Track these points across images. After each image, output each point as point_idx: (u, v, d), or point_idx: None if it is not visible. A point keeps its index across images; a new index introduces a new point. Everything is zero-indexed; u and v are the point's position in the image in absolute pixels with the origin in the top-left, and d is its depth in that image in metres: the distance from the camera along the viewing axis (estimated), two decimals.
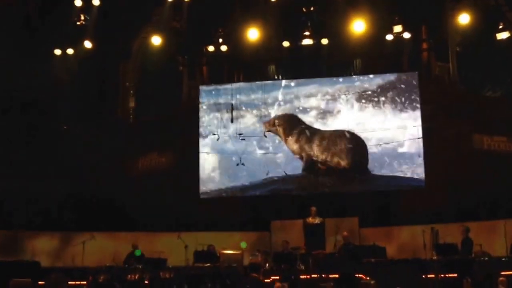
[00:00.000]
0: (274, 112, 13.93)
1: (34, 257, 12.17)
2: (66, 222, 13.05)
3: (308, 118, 13.80)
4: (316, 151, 13.55)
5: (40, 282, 9.41)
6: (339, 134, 13.54)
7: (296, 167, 13.62)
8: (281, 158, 13.69)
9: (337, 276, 9.69)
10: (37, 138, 13.51)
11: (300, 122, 13.73)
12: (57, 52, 13.35)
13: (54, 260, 12.63)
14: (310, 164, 13.53)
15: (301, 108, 13.90)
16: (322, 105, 13.83)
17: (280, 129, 13.71)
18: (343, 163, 13.38)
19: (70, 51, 13.31)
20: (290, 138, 13.68)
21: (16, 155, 13.10)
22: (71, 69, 13.45)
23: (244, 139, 13.76)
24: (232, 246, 12.16)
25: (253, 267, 6.93)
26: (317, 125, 13.71)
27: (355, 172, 13.31)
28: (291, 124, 13.72)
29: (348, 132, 13.50)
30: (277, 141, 13.79)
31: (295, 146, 13.64)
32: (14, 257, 12.03)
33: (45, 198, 12.78)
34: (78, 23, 12.82)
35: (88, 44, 13.06)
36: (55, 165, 13.30)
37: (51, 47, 13.26)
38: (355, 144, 13.40)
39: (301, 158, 13.62)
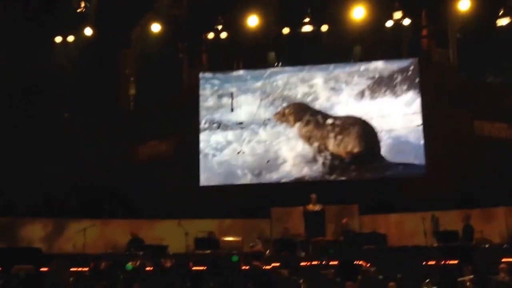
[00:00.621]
0: (274, 100, 13.89)
1: (35, 243, 12.20)
2: (66, 210, 13.06)
3: (310, 105, 13.78)
4: (327, 137, 13.51)
5: (42, 269, 9.45)
6: (350, 121, 13.48)
7: (297, 155, 13.62)
8: (282, 145, 13.68)
9: (337, 262, 9.75)
10: (38, 126, 13.47)
11: (310, 109, 13.65)
12: (58, 39, 13.27)
13: (55, 247, 12.67)
14: (321, 151, 13.51)
15: (301, 95, 13.86)
16: (322, 92, 13.80)
17: (290, 118, 13.66)
18: (356, 149, 13.35)
19: (70, 38, 13.23)
20: (300, 125, 13.61)
21: (16, 143, 13.08)
22: (72, 57, 13.37)
23: (244, 127, 13.75)
24: (233, 233, 12.21)
25: (255, 255, 6.91)
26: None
27: (368, 158, 13.28)
28: (301, 112, 13.66)
29: (359, 118, 13.44)
30: (278, 128, 13.76)
31: (306, 133, 13.58)
32: (13, 243, 12.07)
33: (45, 186, 12.79)
34: (78, 10, 12.73)
35: (88, 32, 12.97)
36: (55, 153, 13.29)
37: (51, 34, 13.18)
38: (367, 131, 13.37)
39: (310, 144, 13.57)
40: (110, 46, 13.72)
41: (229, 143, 13.88)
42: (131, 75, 14.67)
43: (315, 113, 13.62)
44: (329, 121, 13.54)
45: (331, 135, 13.49)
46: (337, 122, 13.51)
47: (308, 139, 13.57)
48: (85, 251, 11.50)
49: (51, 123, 13.67)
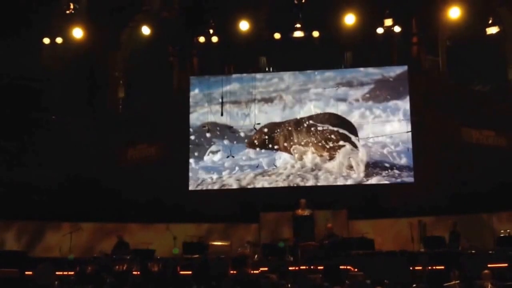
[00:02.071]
0: (264, 104, 13.90)
1: (19, 247, 12.08)
2: (52, 212, 12.94)
3: (299, 110, 13.82)
4: (308, 144, 13.55)
5: (27, 272, 9.35)
6: (328, 118, 13.56)
7: (287, 160, 13.64)
8: (272, 150, 13.69)
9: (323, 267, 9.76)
10: (26, 128, 13.36)
11: (282, 123, 13.67)
12: (46, 40, 13.17)
13: (41, 250, 12.55)
14: (305, 157, 13.54)
15: (291, 100, 13.89)
16: (312, 97, 13.84)
17: (269, 138, 13.64)
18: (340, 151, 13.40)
19: (59, 39, 13.14)
20: (280, 141, 13.64)
21: (4, 145, 12.96)
22: (60, 59, 13.26)
23: (234, 132, 13.74)
24: (221, 238, 12.18)
25: (239, 260, 6.75)
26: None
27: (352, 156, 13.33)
28: (275, 128, 13.66)
29: (335, 114, 13.50)
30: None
31: (287, 146, 13.61)
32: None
33: (33, 188, 12.68)
34: (67, 11, 12.63)
35: (77, 33, 12.88)
36: (43, 155, 13.19)
37: (39, 35, 13.08)
38: (344, 127, 13.44)
39: (295, 153, 13.62)
40: (99, 48, 13.64)
41: (218, 147, 13.86)
42: (120, 77, 14.58)
43: (292, 123, 13.65)
44: (306, 123, 13.59)
45: (313, 140, 13.53)
46: (319, 126, 13.58)
47: (290, 150, 13.61)
48: (71, 254, 11.38)
49: (39, 125, 13.55)
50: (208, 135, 13.89)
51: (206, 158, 13.88)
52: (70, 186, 13.17)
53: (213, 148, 13.90)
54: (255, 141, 13.69)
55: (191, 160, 13.87)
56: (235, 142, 13.80)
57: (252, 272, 9.69)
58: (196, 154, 13.91)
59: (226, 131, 13.82)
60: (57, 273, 8.61)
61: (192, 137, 13.97)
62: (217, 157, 13.84)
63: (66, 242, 11.53)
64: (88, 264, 10.18)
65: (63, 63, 13.29)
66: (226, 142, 13.84)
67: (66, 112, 13.96)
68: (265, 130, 13.76)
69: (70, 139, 13.49)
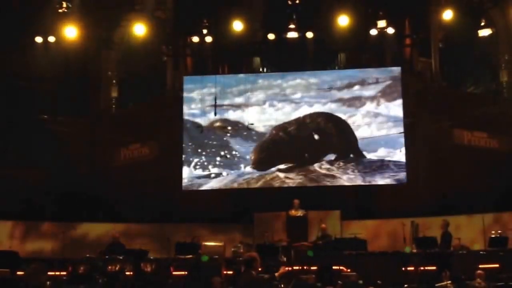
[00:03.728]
0: (258, 105, 13.92)
1: (12, 247, 12.00)
2: (46, 212, 12.87)
3: (292, 110, 13.84)
4: (301, 146, 13.61)
5: (18, 272, 9.30)
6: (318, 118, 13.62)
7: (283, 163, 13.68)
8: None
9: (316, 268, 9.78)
10: (16, 127, 13.29)
11: (276, 128, 13.69)
12: (38, 40, 13.10)
13: (33, 250, 12.48)
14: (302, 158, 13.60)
15: (285, 100, 13.92)
16: (305, 97, 13.87)
17: (272, 153, 13.61)
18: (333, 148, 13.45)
19: (51, 38, 13.07)
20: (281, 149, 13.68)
21: None
22: (53, 58, 13.19)
23: (227, 132, 13.74)
24: (215, 238, 12.16)
25: (247, 262, 6.47)
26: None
27: (348, 153, 13.37)
28: (265, 149, 13.63)
29: (327, 113, 13.57)
30: (261, 134, 13.80)
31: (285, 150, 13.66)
32: None
33: (25, 188, 12.60)
34: (60, 10, 12.56)
35: (70, 32, 12.81)
36: (36, 155, 13.12)
37: (32, 34, 13.01)
38: (339, 126, 13.49)
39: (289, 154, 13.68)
40: (92, 47, 13.59)
41: (212, 146, 13.85)
42: (114, 77, 14.53)
43: (286, 125, 13.67)
44: (303, 127, 13.63)
45: (307, 138, 13.57)
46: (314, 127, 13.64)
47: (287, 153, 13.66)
48: (64, 254, 11.33)
49: (30, 125, 13.48)
50: (201, 134, 13.86)
51: (199, 158, 13.86)
52: (61, 186, 13.09)
53: (206, 147, 13.88)
54: (260, 162, 13.62)
55: (184, 160, 13.83)
56: (228, 141, 13.78)
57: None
58: (189, 154, 13.88)
59: (220, 131, 13.80)
60: (49, 273, 8.58)
61: (185, 137, 13.94)
62: (210, 157, 13.81)
63: (59, 242, 11.48)
64: (80, 264, 10.14)
65: (56, 62, 13.22)
66: (220, 141, 13.82)
67: (59, 112, 13.90)
68: (268, 146, 13.69)
69: (63, 138, 13.43)
